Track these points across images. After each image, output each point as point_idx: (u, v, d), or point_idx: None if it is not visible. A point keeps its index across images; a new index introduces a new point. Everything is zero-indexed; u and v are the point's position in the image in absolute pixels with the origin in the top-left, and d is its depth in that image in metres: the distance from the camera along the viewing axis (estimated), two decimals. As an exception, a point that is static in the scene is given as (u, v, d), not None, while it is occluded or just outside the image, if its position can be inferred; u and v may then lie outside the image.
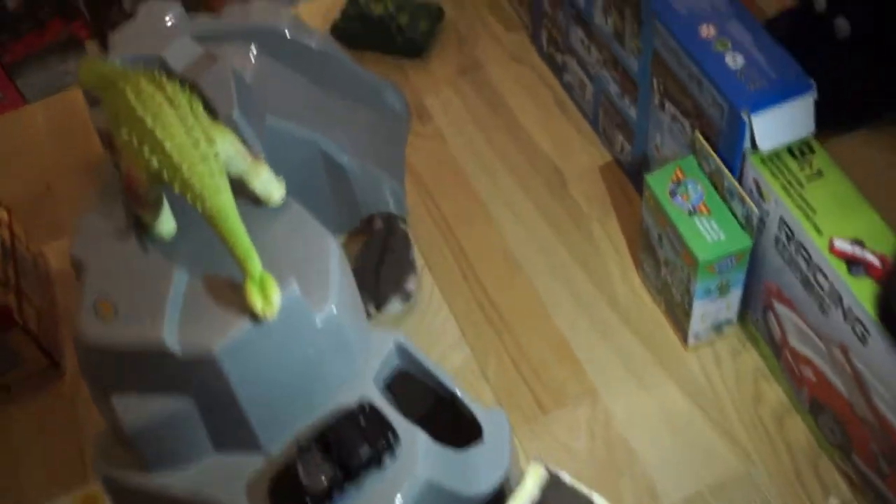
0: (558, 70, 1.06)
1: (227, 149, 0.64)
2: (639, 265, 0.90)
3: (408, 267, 0.90)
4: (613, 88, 0.92)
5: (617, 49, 0.87)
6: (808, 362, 0.73)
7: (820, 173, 0.69)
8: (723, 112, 0.71)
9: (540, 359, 0.87)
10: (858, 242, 0.65)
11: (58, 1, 1.05)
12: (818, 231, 0.66)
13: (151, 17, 0.89)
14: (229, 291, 0.58)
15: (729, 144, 0.72)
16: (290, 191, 0.83)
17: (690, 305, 0.78)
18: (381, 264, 0.90)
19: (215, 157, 0.61)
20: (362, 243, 0.92)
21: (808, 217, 0.67)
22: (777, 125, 0.69)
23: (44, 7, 1.06)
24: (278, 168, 0.80)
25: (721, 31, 0.73)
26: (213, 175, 0.60)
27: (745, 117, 0.68)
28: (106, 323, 0.58)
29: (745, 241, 0.73)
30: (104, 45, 1.14)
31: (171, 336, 0.57)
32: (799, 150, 0.70)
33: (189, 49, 0.78)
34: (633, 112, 0.89)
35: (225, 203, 0.60)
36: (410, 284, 0.89)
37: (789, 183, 0.69)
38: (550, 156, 1.02)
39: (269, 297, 0.57)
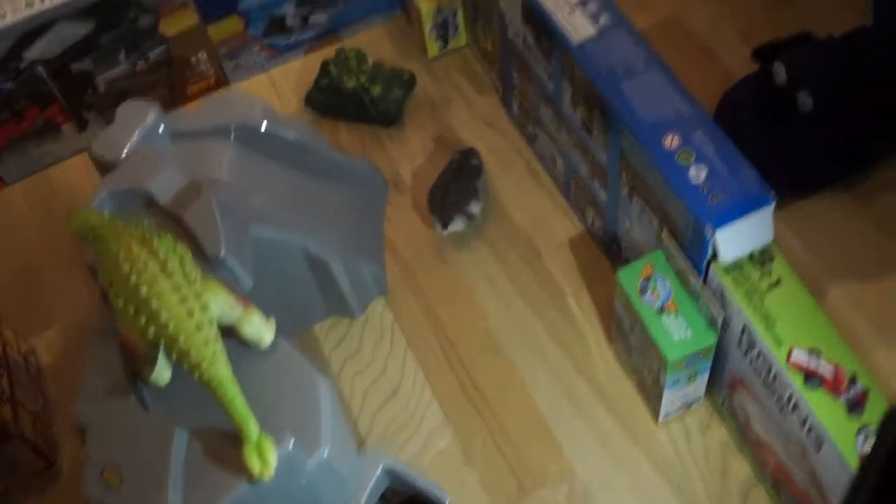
0: (530, 138, 1.09)
1: (219, 306, 0.67)
2: (612, 341, 0.93)
3: (472, 192, 1.01)
4: (583, 170, 0.95)
5: (585, 138, 0.90)
6: (769, 447, 0.77)
7: (779, 282, 0.72)
8: (687, 222, 0.74)
9: (521, 439, 0.91)
10: (816, 352, 0.69)
11: (32, 91, 1.06)
12: (777, 342, 0.70)
13: (127, 118, 0.92)
14: (228, 448, 0.61)
15: (694, 250, 0.75)
16: (277, 290, 0.86)
17: (660, 392, 0.82)
18: (448, 189, 1.02)
19: (210, 325, 0.64)
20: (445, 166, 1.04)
21: (768, 328, 0.70)
22: (739, 238, 0.72)
23: (19, 98, 1.07)
24: (264, 272, 0.83)
25: (685, 141, 0.76)
26: (208, 343, 0.63)
27: (708, 232, 0.71)
28: (113, 491, 0.61)
29: (710, 339, 0.77)
30: (81, 127, 1.16)
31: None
32: (759, 258, 0.74)
33: (174, 180, 0.80)
34: (602, 195, 0.92)
35: (221, 371, 0.63)
36: (474, 208, 1.00)
37: (750, 292, 0.72)
38: (525, 227, 1.05)
39: (266, 460, 0.60)
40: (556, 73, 0.91)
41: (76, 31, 1.07)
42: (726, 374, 0.81)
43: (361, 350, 0.99)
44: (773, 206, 0.72)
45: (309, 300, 0.97)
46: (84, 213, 0.73)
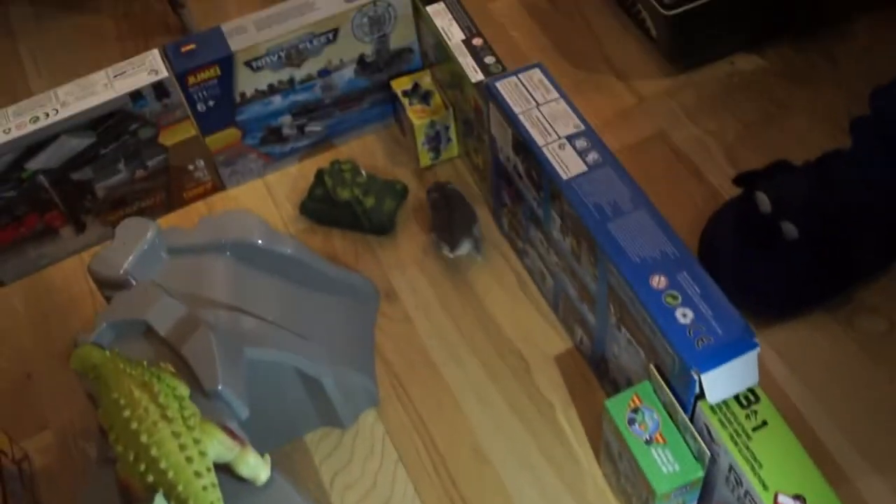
0: (519, 252, 1.12)
1: (217, 449, 0.69)
2: (601, 461, 0.95)
3: (471, 217, 1.12)
4: (572, 292, 0.98)
5: (575, 266, 0.93)
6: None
7: (765, 423, 0.75)
8: (674, 361, 0.77)
9: (510, 559, 0.92)
10: (801, 499, 0.71)
11: (33, 199, 1.09)
12: (764, 486, 0.72)
13: (127, 237, 0.94)
14: None
15: (681, 388, 0.78)
16: (269, 405, 0.88)
17: (650, 520, 0.84)
18: (452, 217, 1.11)
19: (208, 472, 0.66)
20: (430, 207, 1.15)
21: (754, 471, 0.73)
22: (724, 380, 0.75)
23: (20, 205, 1.09)
24: (257, 389, 0.85)
25: (671, 283, 0.79)
26: (206, 490, 0.65)
27: (694, 375, 0.74)
28: None
29: (698, 472, 0.79)
30: (79, 229, 1.18)
31: None
32: (745, 398, 0.76)
33: (172, 311, 0.82)
34: (591, 318, 0.95)
35: None
36: (476, 231, 1.11)
37: (736, 433, 0.75)
38: (514, 341, 1.07)
39: None
40: (545, 203, 0.94)
41: (78, 143, 1.10)
42: (714, 502, 0.83)
43: (352, 462, 1.00)
44: (757, 350, 0.75)
45: (300, 412, 0.99)
46: (85, 350, 0.75)
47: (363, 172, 1.18)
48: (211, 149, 1.20)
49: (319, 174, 1.19)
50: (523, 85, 0.96)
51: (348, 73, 1.20)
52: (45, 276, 1.19)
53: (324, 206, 1.18)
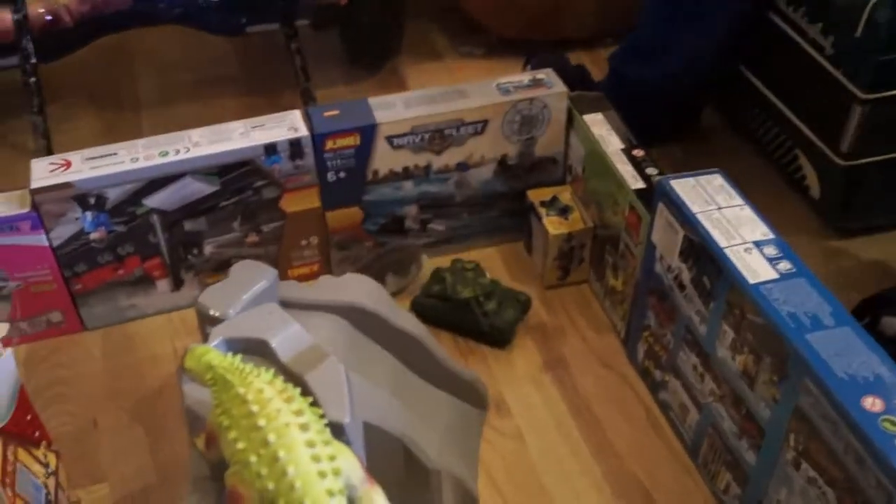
0: (654, 385, 1.00)
1: (350, 475, 0.57)
2: None
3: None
4: (728, 426, 0.85)
5: (743, 390, 0.81)
6: None
7: None
8: (891, 498, 0.63)
9: None
10: None
11: (140, 239, 1.01)
12: None
13: (242, 277, 0.85)
14: None
15: (893, 535, 0.64)
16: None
17: None
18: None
19: (341, 494, 0.54)
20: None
21: None
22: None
23: (125, 244, 1.01)
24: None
25: (889, 408, 0.67)
26: None
27: (923, 515, 0.61)
28: None
29: None
30: (176, 286, 1.09)
31: None
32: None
33: (298, 338, 0.72)
34: (750, 457, 0.82)
35: None
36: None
37: None
38: (640, 479, 0.94)
39: None
40: (714, 315, 0.84)
41: (201, 188, 1.03)
42: None
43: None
44: None
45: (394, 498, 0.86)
46: (202, 350, 0.64)
47: (487, 275, 1.09)
48: (329, 226, 1.13)
49: (437, 272, 1.11)
50: (702, 187, 0.88)
51: (487, 172, 1.14)
52: (129, 328, 1.10)
53: (439, 304, 1.09)
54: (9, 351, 0.74)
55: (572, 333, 1.09)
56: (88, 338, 1.08)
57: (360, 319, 0.90)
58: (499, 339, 1.07)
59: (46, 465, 0.80)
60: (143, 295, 1.08)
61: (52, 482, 0.80)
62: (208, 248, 1.08)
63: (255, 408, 0.56)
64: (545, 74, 1.12)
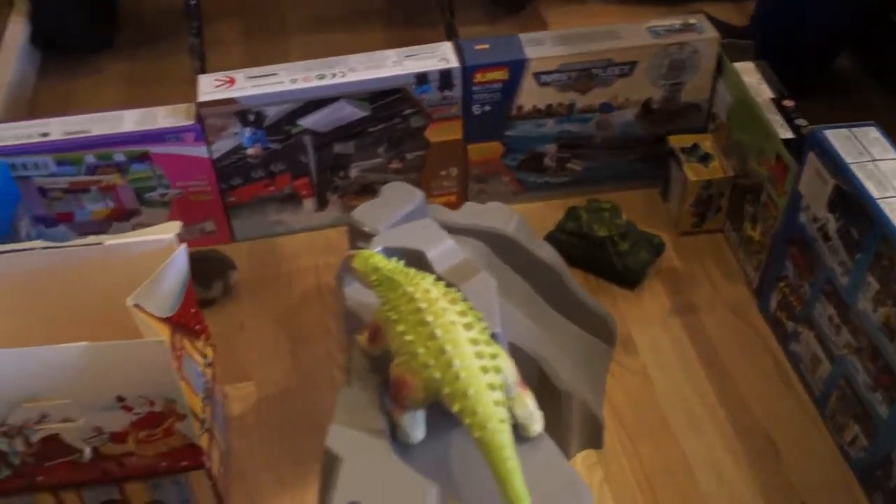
0: (784, 336, 1.00)
1: (506, 376, 0.60)
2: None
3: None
4: (863, 378, 0.85)
5: (883, 343, 0.81)
6: None
7: None
8: None
9: None
10: None
11: (292, 158, 1.06)
12: None
13: (393, 197, 0.89)
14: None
15: None
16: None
17: None
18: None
19: (501, 388, 0.58)
20: None
21: None
22: None
23: (278, 161, 1.06)
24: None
25: None
26: (496, 405, 0.56)
27: None
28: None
29: None
30: (321, 206, 1.14)
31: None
32: None
33: (452, 254, 0.76)
34: (882, 409, 0.82)
35: (506, 440, 0.56)
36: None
37: None
38: (764, 426, 0.94)
39: None
40: (859, 266, 0.83)
41: (353, 112, 1.07)
42: None
43: None
44: None
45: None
46: (369, 254, 0.68)
47: (623, 216, 1.10)
48: (470, 159, 1.15)
49: (573, 209, 1.12)
50: (857, 139, 0.87)
51: (629, 115, 1.14)
52: (275, 242, 1.16)
53: (573, 242, 1.11)
54: (183, 246, 0.80)
55: (703, 280, 1.10)
56: (237, 248, 1.14)
57: (501, 246, 0.93)
58: (630, 279, 1.08)
59: (205, 356, 0.87)
60: (290, 212, 1.14)
61: (209, 372, 0.87)
62: (354, 172, 1.13)
63: (423, 304, 0.60)
64: (696, 19, 1.12)
